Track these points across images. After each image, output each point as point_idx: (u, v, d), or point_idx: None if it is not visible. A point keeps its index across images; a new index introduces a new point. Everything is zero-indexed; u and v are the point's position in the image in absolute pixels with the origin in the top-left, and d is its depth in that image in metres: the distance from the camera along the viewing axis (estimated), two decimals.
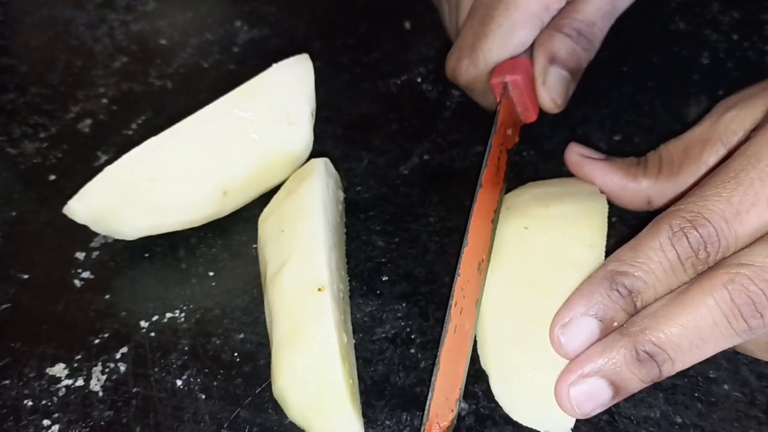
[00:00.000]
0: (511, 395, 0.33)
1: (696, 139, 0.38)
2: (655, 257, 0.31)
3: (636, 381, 0.31)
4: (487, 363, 0.35)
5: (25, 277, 0.42)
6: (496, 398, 0.34)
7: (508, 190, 0.42)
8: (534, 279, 0.35)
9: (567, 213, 0.37)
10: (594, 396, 0.31)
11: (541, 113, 0.45)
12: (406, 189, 0.45)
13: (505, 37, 0.44)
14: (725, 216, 0.30)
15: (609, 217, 0.37)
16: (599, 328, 0.31)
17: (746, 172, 0.31)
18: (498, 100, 0.44)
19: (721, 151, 0.37)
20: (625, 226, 0.42)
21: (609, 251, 0.33)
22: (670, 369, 0.30)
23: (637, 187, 0.39)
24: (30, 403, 0.36)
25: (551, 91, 0.43)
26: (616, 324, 0.31)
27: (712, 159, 0.37)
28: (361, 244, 0.42)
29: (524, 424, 0.33)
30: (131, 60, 0.56)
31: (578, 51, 0.44)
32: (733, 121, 0.36)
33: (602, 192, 0.39)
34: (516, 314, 0.34)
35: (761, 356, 0.34)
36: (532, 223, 0.37)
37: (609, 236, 0.36)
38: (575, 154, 0.41)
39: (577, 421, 0.34)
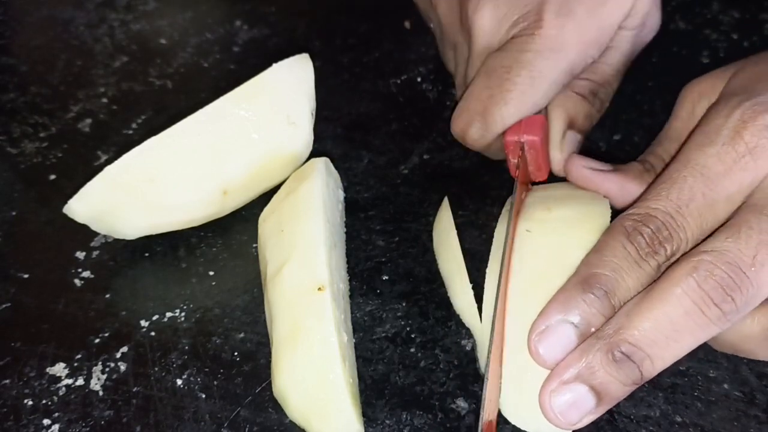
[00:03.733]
0: (510, 399, 0.33)
1: (683, 134, 0.38)
2: (619, 253, 0.32)
3: (617, 384, 0.30)
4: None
5: (25, 276, 0.42)
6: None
7: (509, 192, 0.41)
8: (536, 283, 0.35)
9: (569, 217, 0.37)
10: (576, 403, 0.30)
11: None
12: (406, 189, 0.46)
13: (526, 105, 0.41)
14: (668, 211, 0.32)
15: (610, 220, 0.37)
16: (576, 334, 0.31)
17: (678, 172, 0.33)
18: (513, 158, 0.41)
19: None
20: None
21: None
22: (650, 368, 0.30)
23: None
24: (30, 403, 0.36)
25: (566, 157, 0.42)
26: (593, 330, 0.31)
27: None
28: (361, 244, 0.42)
29: (524, 428, 0.33)
30: (131, 59, 0.56)
31: (593, 113, 0.44)
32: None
33: (609, 198, 0.39)
34: (517, 318, 0.34)
35: (765, 354, 0.34)
36: (535, 226, 0.37)
37: None
38: (582, 168, 0.39)
39: None
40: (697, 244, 0.32)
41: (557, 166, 0.42)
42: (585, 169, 0.39)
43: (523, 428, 0.33)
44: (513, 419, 0.33)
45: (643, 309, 0.30)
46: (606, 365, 0.30)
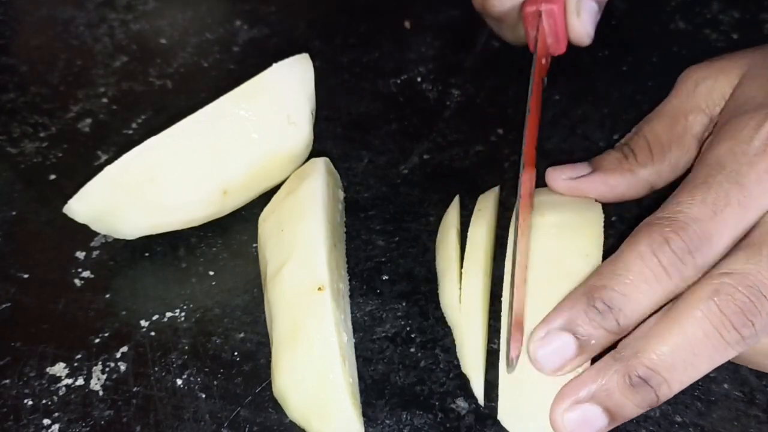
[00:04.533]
0: (507, 407, 0.33)
1: (678, 112, 0.38)
2: (634, 268, 0.30)
3: (631, 407, 0.30)
4: (468, 368, 0.35)
5: (25, 276, 0.42)
6: (479, 401, 0.34)
7: (509, 192, 0.41)
8: (531, 289, 0.34)
9: (563, 222, 0.36)
10: (589, 422, 0.30)
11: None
12: (406, 189, 0.46)
13: None
14: (703, 217, 0.30)
15: (608, 217, 0.37)
16: (576, 345, 0.31)
17: (713, 177, 0.31)
18: (532, 30, 0.44)
19: (705, 121, 0.37)
20: (625, 225, 0.42)
21: (606, 254, 0.33)
22: (666, 392, 0.30)
23: (637, 179, 0.38)
24: (30, 403, 0.36)
25: (585, 25, 0.44)
26: (593, 342, 0.31)
27: (697, 128, 0.37)
28: (361, 244, 0.42)
29: None
30: (131, 59, 0.56)
31: None
32: (713, 91, 0.37)
33: (598, 199, 0.38)
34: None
35: None
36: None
37: (608, 236, 0.36)
38: (563, 180, 0.39)
39: None
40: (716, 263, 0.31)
41: (575, 34, 0.44)
42: (567, 181, 0.38)
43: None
44: (510, 427, 0.33)
45: (661, 331, 0.30)
46: (622, 388, 0.30)
